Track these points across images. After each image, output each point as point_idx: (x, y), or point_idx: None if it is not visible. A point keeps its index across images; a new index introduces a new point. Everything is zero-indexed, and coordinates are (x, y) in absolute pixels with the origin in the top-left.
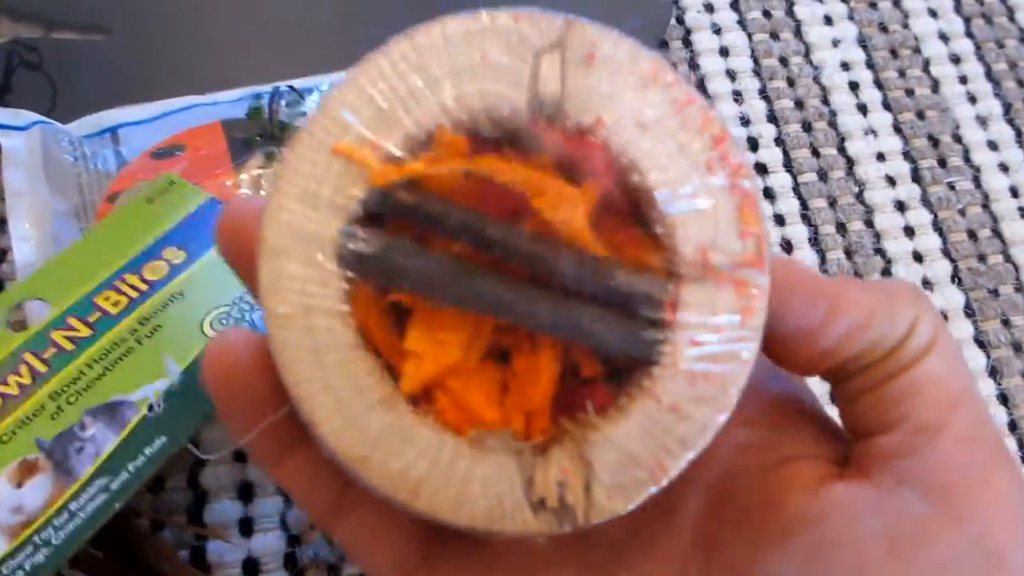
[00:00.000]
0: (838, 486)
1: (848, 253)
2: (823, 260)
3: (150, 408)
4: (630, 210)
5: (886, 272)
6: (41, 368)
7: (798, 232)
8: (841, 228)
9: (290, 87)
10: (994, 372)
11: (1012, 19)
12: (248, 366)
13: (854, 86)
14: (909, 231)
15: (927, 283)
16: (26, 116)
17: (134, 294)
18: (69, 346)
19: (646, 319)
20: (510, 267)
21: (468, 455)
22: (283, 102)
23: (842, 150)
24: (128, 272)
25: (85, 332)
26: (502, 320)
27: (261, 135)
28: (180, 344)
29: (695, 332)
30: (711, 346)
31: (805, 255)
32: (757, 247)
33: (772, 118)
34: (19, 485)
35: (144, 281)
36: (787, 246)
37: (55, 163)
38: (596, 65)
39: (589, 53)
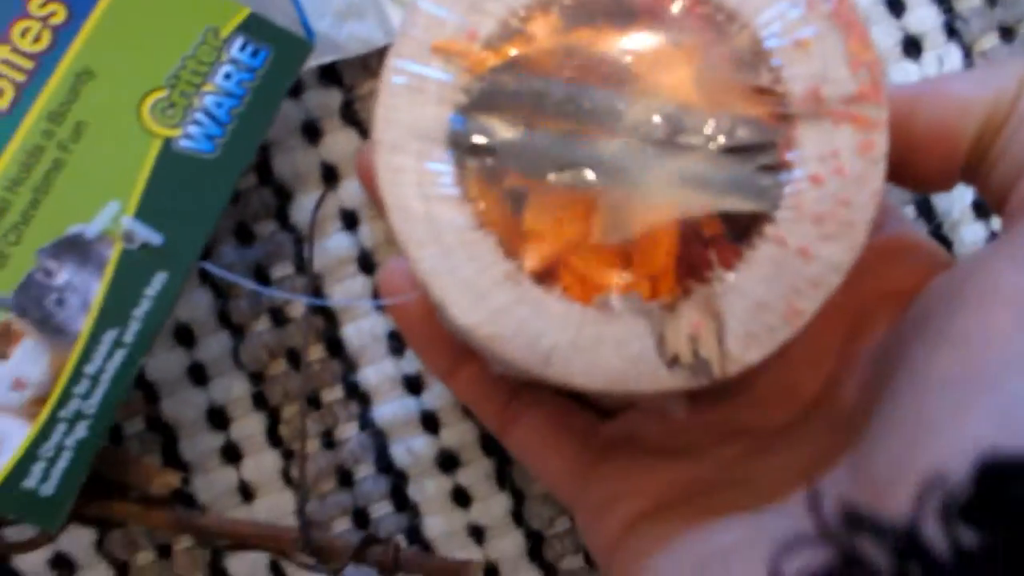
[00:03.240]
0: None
1: None
2: None
3: (127, 238)
4: (735, 63)
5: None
6: None
7: None
8: None
9: None
10: None
11: None
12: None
13: None
14: None
15: None
16: None
17: (17, 76)
18: None
19: (762, 165)
20: (620, 135)
21: (597, 319)
22: None
23: None
24: None
25: None
26: (616, 187)
27: None
28: (122, 145)
29: (815, 171)
30: (834, 184)
31: None
32: (871, 77)
33: None
34: (3, 356)
35: (22, 54)
36: None
37: None
38: None
39: None
